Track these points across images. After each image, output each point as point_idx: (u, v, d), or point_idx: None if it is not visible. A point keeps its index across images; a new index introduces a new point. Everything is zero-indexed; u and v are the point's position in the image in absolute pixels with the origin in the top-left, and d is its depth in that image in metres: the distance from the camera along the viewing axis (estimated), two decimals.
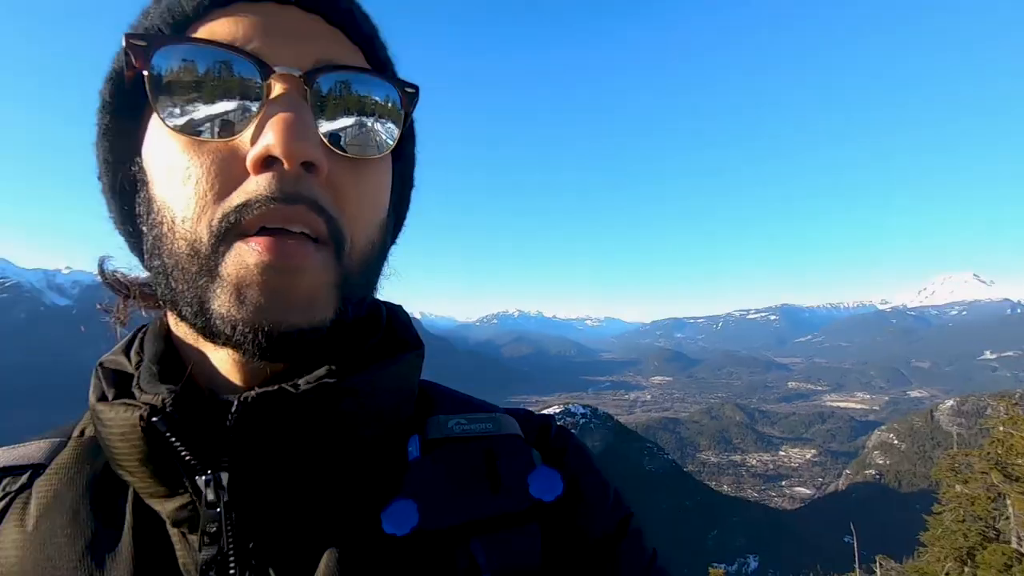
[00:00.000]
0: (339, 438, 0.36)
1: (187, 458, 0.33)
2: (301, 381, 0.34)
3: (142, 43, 0.32)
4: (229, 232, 0.33)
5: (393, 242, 0.49)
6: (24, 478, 0.40)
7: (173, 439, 0.33)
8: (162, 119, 0.34)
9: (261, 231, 0.33)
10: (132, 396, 0.35)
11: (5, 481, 0.40)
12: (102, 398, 0.36)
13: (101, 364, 0.39)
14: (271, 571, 0.36)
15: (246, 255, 0.33)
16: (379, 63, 0.40)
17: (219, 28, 0.34)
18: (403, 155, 0.44)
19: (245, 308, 0.33)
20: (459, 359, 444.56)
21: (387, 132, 0.38)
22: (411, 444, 0.42)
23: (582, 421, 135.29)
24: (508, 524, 0.38)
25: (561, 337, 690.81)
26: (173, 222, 0.34)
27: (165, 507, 0.36)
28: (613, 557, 0.46)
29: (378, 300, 0.49)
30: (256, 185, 0.33)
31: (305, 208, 0.34)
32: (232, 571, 0.34)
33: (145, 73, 0.33)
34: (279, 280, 0.33)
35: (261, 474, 0.33)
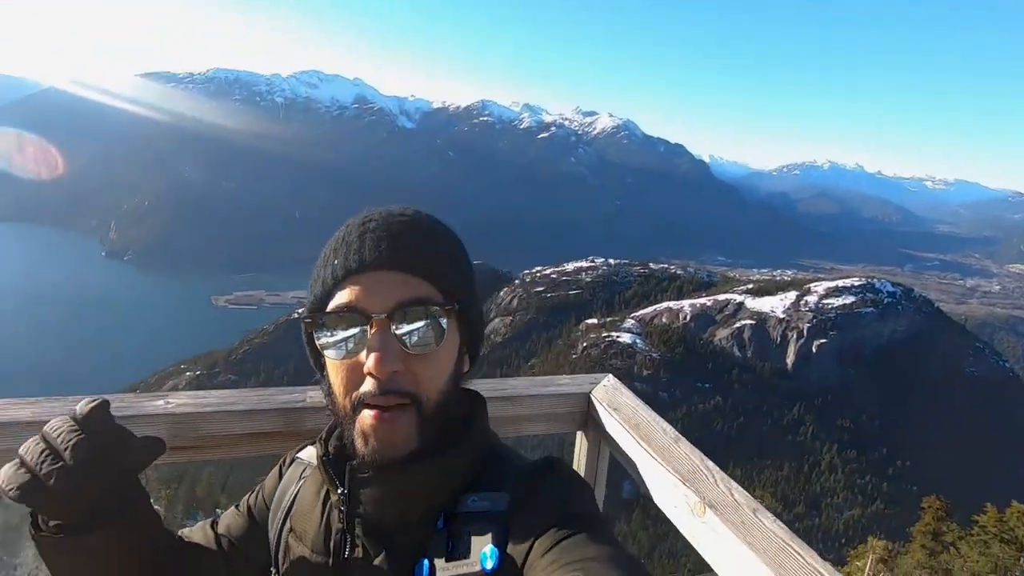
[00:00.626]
0: (390, 502, 0.71)
1: (333, 477, 0.73)
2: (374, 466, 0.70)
3: (308, 319, 0.71)
4: (358, 406, 0.68)
5: (473, 364, 0.81)
6: (307, 469, 0.87)
7: (328, 469, 0.74)
8: (323, 348, 0.70)
9: (371, 406, 0.67)
10: (326, 442, 0.77)
11: (304, 468, 0.88)
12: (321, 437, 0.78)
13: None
14: (362, 543, 0.72)
15: (366, 418, 0.68)
16: (441, 286, 0.70)
17: (345, 294, 0.69)
18: (469, 312, 0.75)
19: (367, 447, 0.69)
20: (745, 212, 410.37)
21: (437, 333, 0.68)
22: (440, 518, 0.70)
23: (887, 300, 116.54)
24: None
25: (880, 198, 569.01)
26: (334, 394, 0.72)
27: (331, 498, 0.76)
28: (523, 571, 0.64)
29: (467, 405, 0.79)
30: (367, 385, 0.67)
31: (395, 395, 0.67)
32: (348, 537, 0.73)
33: (310, 331, 0.71)
34: (382, 430, 0.67)
35: (358, 498, 0.71)
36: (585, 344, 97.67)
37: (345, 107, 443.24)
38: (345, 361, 0.69)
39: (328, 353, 0.71)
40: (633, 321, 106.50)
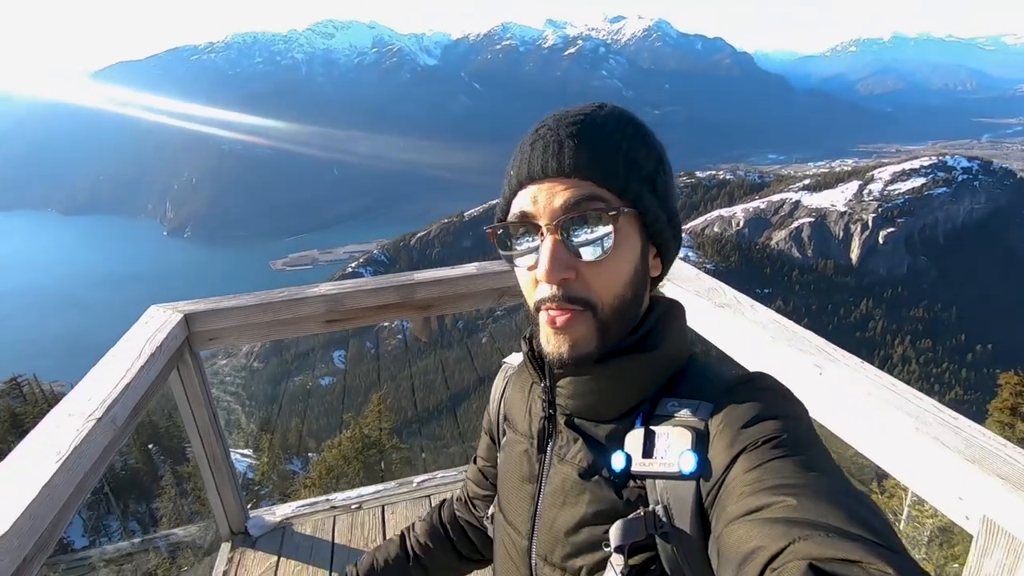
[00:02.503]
0: (583, 397, 0.72)
1: (537, 371, 0.76)
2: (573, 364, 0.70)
3: (489, 229, 0.72)
4: (538, 307, 0.69)
5: (666, 266, 0.78)
6: (511, 370, 0.94)
7: (532, 363, 0.77)
8: (506, 259, 0.73)
9: (549, 310, 0.68)
10: (531, 340, 0.78)
11: (510, 369, 0.94)
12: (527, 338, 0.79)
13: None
14: (563, 432, 0.76)
15: (544, 319, 0.69)
16: (614, 188, 0.67)
17: (519, 203, 0.69)
18: (648, 215, 0.70)
19: (548, 349, 0.70)
20: (797, 102, 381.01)
21: (608, 238, 0.66)
22: (638, 417, 0.70)
23: (962, 178, 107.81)
24: (671, 479, 0.63)
25: (953, 65, 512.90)
26: (524, 292, 0.74)
27: (536, 391, 0.81)
28: (721, 489, 0.59)
29: (661, 313, 0.76)
30: (542, 289, 0.68)
31: (567, 303, 0.67)
32: (550, 425, 0.77)
33: (494, 240, 0.73)
34: (557, 333, 0.68)
35: (557, 391, 0.74)
36: None
37: (364, 53, 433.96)
38: (524, 269, 0.71)
39: (513, 262, 0.73)
40: (684, 234, 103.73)
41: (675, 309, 0.79)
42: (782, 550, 0.46)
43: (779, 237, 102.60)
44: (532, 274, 0.69)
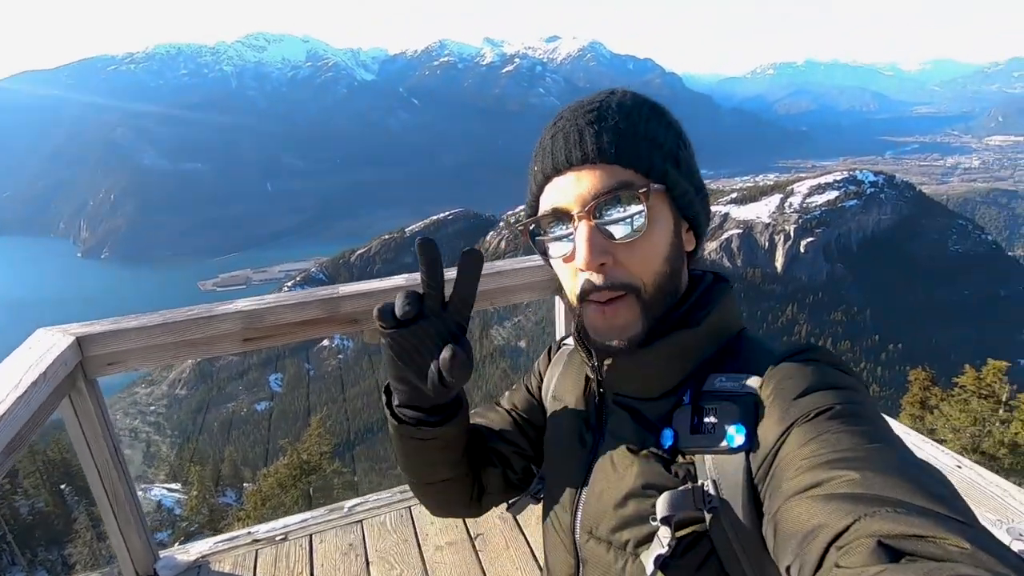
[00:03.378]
0: (630, 378, 0.74)
1: (586, 352, 0.78)
2: (618, 346, 0.71)
3: (521, 227, 0.74)
4: (581, 298, 0.70)
5: (700, 239, 0.78)
6: (566, 350, 0.95)
7: (582, 345, 0.78)
8: (542, 254, 0.75)
9: (591, 300, 0.69)
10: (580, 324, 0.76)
11: (566, 350, 0.95)
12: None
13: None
14: (612, 409, 0.77)
15: (590, 310, 0.70)
16: (640, 168, 0.68)
17: (547, 198, 0.71)
18: (676, 190, 0.71)
19: (596, 335, 0.71)
20: (722, 120, 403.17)
21: (640, 218, 0.66)
22: (686, 393, 0.70)
23: (870, 191, 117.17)
24: (720, 454, 0.63)
25: (858, 88, 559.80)
26: (564, 286, 0.74)
27: (585, 370, 0.84)
28: (773, 463, 0.57)
29: (705, 286, 0.77)
30: (581, 279, 0.69)
31: (608, 289, 0.67)
32: (600, 402, 0.79)
33: (526, 238, 0.74)
34: (605, 323, 0.69)
35: (607, 369, 0.76)
36: None
37: (298, 67, 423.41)
38: (564, 261, 0.72)
39: (549, 255, 0.74)
40: None
41: (720, 283, 0.79)
42: (847, 528, 0.43)
43: (711, 248, 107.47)
44: (570, 266, 0.71)
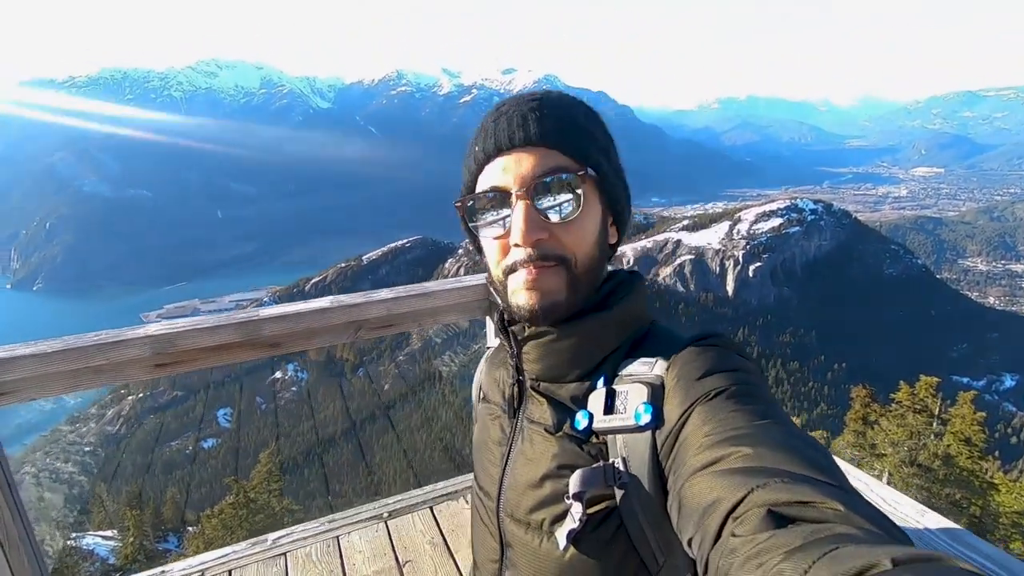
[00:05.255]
0: (549, 359, 0.78)
1: (506, 340, 0.81)
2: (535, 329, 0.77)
3: (458, 204, 0.77)
4: (509, 271, 0.74)
5: (621, 235, 0.83)
6: (491, 351, 0.99)
7: (503, 334, 0.82)
8: (475, 230, 0.77)
9: (524, 267, 0.73)
10: (503, 314, 0.83)
11: (489, 352, 1.00)
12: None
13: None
14: (530, 396, 0.82)
15: (517, 278, 0.73)
16: (576, 156, 0.73)
17: (486, 177, 0.74)
18: (606, 181, 0.77)
19: (522, 302, 0.74)
20: (671, 148, 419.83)
21: (576, 201, 0.72)
22: (599, 378, 0.75)
23: (810, 218, 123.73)
24: (628, 433, 0.68)
25: (796, 122, 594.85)
26: (490, 266, 0.78)
27: (507, 357, 0.85)
28: (677, 441, 0.63)
29: (621, 279, 0.82)
30: (515, 254, 0.73)
31: (543, 259, 0.72)
32: (518, 390, 0.83)
33: (462, 214, 0.77)
34: (532, 286, 0.72)
35: (524, 357, 0.80)
36: None
37: (252, 93, 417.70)
38: (496, 239, 0.75)
39: (481, 233, 0.77)
40: None
41: (635, 276, 0.84)
42: (742, 499, 0.47)
43: (665, 273, 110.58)
44: (501, 243, 0.75)
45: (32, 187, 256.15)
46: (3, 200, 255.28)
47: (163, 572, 2.25)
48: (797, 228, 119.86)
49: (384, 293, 2.07)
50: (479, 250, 0.83)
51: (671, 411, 0.65)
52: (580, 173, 0.72)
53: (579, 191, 0.72)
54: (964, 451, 10.49)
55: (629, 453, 0.67)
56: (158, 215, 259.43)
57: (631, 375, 0.73)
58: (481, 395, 0.96)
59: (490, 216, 0.75)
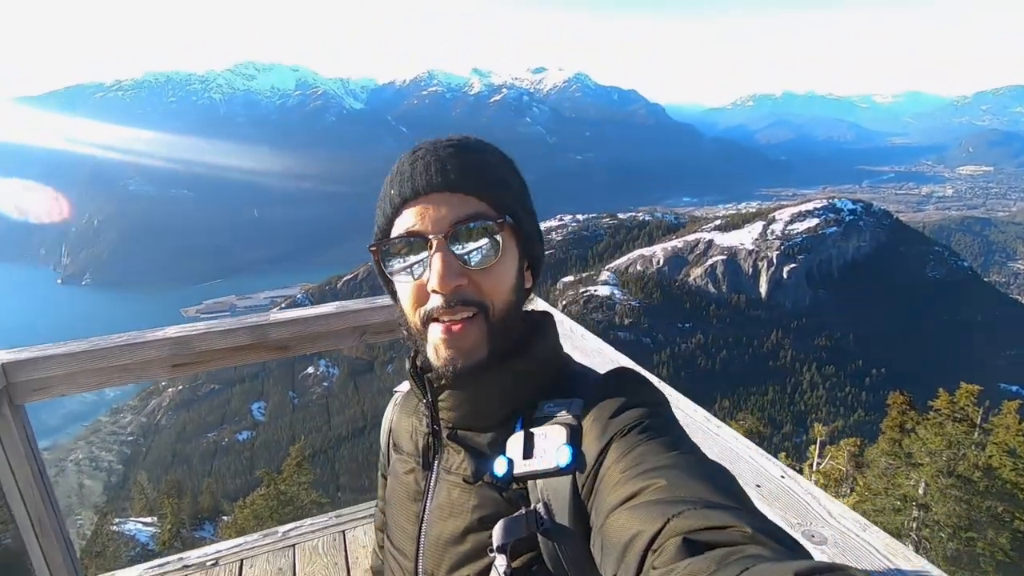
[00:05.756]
0: (467, 407, 0.76)
1: (420, 388, 0.78)
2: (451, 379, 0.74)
3: (374, 248, 0.75)
4: (427, 321, 0.72)
5: (536, 279, 0.84)
6: (399, 396, 0.98)
7: (416, 380, 0.79)
8: (390, 275, 0.75)
9: (441, 320, 0.71)
10: (414, 359, 0.80)
11: (398, 396, 0.98)
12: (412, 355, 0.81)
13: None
14: (446, 445, 0.79)
15: (436, 331, 0.71)
16: (493, 202, 0.73)
17: (403, 221, 0.73)
18: (522, 228, 0.77)
19: (440, 358, 0.72)
20: (705, 150, 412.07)
21: (494, 247, 0.71)
22: (517, 422, 0.75)
23: (849, 218, 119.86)
24: (550, 476, 0.67)
25: (835, 119, 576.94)
26: (405, 313, 0.76)
27: (420, 409, 0.83)
28: (596, 479, 0.63)
29: (534, 321, 0.82)
30: (433, 299, 0.71)
31: (461, 306, 0.70)
32: (434, 440, 0.80)
33: (377, 258, 0.75)
34: (451, 342, 0.71)
35: (439, 405, 0.77)
36: (564, 302, 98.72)
37: (288, 95, 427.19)
38: (412, 283, 0.73)
39: (396, 278, 0.75)
40: (608, 273, 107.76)
41: (547, 318, 0.84)
42: (659, 531, 0.49)
43: (696, 274, 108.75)
44: (418, 290, 0.73)
45: (82, 186, 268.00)
46: (55, 197, 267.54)
47: (181, 559, 2.40)
48: (834, 228, 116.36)
49: (387, 299, 2.08)
50: (393, 296, 0.81)
51: (589, 450, 0.65)
52: (499, 220, 0.72)
53: (497, 237, 0.72)
54: (1008, 463, 10.05)
55: (551, 496, 0.67)
56: (198, 214, 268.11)
57: (549, 417, 0.73)
58: (392, 445, 0.93)
59: (406, 261, 0.73)
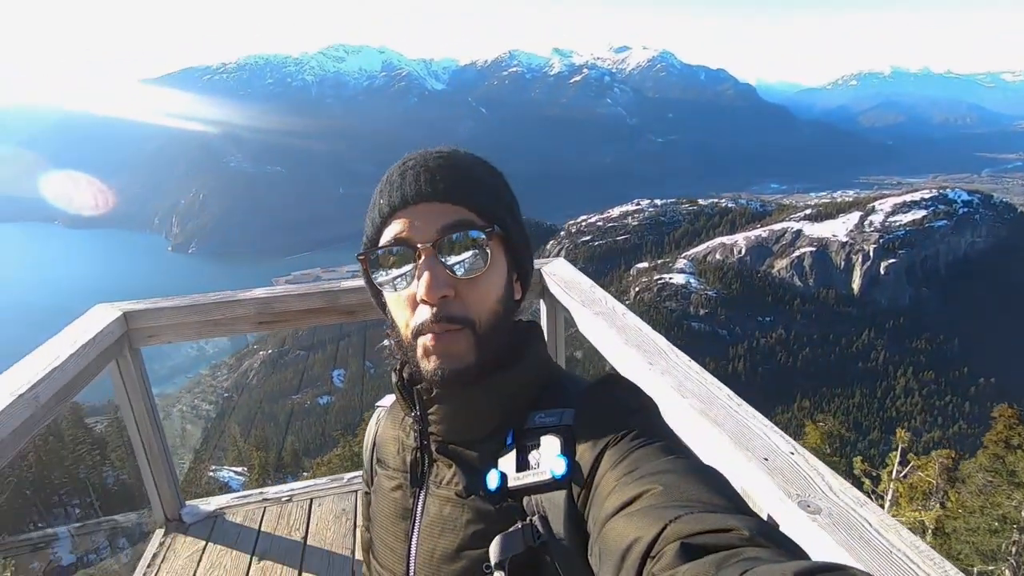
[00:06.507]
0: (456, 420, 0.75)
1: (407, 401, 0.77)
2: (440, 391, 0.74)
3: (362, 257, 0.74)
4: (416, 333, 0.70)
5: (525, 290, 0.83)
6: (383, 411, 0.95)
7: (403, 393, 0.78)
8: (379, 286, 0.74)
9: (430, 331, 0.69)
10: (400, 372, 0.79)
11: (381, 410, 0.96)
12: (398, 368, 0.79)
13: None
14: (436, 459, 0.77)
15: (425, 342, 0.70)
16: (482, 212, 0.72)
17: (391, 230, 0.71)
18: (512, 238, 0.76)
19: (429, 367, 0.70)
20: (799, 133, 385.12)
21: (482, 257, 0.70)
22: (509, 433, 0.73)
23: (963, 211, 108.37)
24: (545, 489, 0.65)
25: (953, 100, 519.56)
26: (396, 327, 0.75)
27: (407, 423, 0.81)
28: (592, 487, 0.62)
29: (521, 331, 0.81)
30: (422, 314, 0.69)
31: (448, 321, 0.68)
32: (423, 455, 0.78)
33: (366, 268, 0.74)
34: (440, 351, 0.69)
35: (428, 417, 0.75)
36: (637, 289, 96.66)
37: (374, 76, 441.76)
38: (400, 294, 0.72)
39: (385, 289, 0.74)
40: (685, 261, 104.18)
41: (535, 329, 0.84)
42: (658, 536, 0.48)
43: (780, 266, 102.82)
44: (406, 299, 0.72)
45: (191, 162, 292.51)
46: (170, 171, 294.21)
47: (261, 492, 2.77)
48: (944, 222, 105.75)
49: None
50: (382, 307, 0.80)
51: (583, 459, 0.65)
52: (488, 230, 0.71)
53: (486, 247, 0.71)
54: None
55: (547, 508, 0.66)
56: (290, 190, 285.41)
57: (540, 427, 0.71)
58: (376, 460, 0.91)
59: (394, 271, 0.72)
